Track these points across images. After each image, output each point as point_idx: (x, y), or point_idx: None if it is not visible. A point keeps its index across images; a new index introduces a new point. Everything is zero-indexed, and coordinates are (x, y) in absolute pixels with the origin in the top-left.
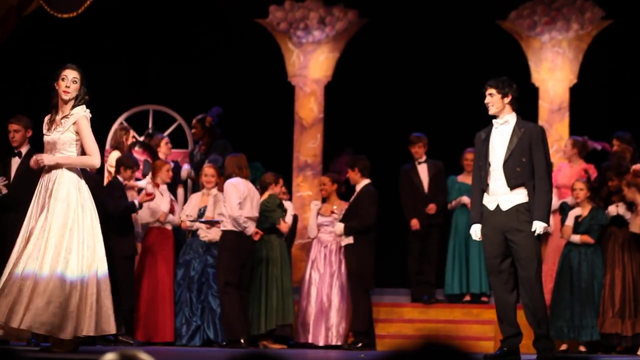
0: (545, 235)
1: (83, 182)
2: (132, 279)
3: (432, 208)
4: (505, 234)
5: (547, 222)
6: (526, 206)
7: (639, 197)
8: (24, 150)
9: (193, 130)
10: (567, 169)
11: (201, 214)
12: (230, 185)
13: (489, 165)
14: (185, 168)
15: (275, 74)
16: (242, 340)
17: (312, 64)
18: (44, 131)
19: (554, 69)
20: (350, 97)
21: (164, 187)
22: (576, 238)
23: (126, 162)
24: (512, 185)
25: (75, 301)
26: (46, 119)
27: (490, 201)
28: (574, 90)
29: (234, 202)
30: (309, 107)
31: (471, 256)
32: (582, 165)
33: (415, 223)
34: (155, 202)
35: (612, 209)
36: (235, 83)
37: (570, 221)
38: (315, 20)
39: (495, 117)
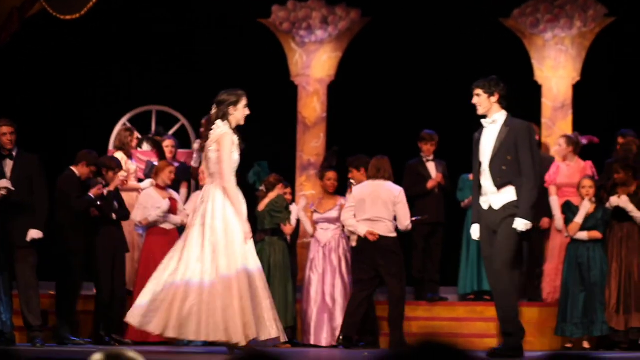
0: (549, 232)
1: None
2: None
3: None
4: (494, 232)
5: (530, 219)
6: (515, 203)
7: None
8: (14, 152)
9: (201, 130)
10: (564, 168)
11: None
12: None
13: (480, 165)
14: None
15: (278, 74)
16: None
17: (315, 64)
18: (236, 150)
19: (557, 66)
20: (353, 97)
21: (149, 190)
22: (583, 234)
23: (108, 164)
24: (499, 185)
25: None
26: (236, 139)
27: (483, 201)
28: (577, 88)
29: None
30: (312, 106)
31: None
32: (578, 162)
33: (432, 183)
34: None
35: (614, 200)
36: (238, 83)
37: (580, 218)
38: (318, 19)
39: (485, 117)
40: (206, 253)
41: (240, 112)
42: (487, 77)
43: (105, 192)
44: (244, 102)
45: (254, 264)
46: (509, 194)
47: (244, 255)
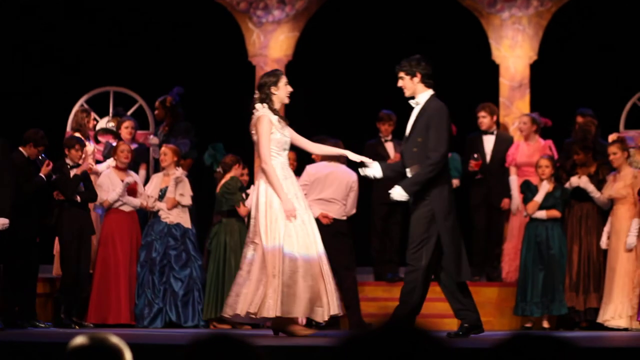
0: (508, 212)
1: None
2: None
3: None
4: (412, 214)
5: (409, 193)
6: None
7: (625, 162)
8: None
9: (156, 112)
10: (524, 147)
11: (162, 194)
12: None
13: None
14: (152, 137)
15: (235, 54)
16: None
17: (272, 44)
18: (282, 131)
19: (514, 46)
20: (311, 77)
21: (108, 171)
22: (542, 213)
23: (68, 143)
24: (409, 165)
25: None
26: (275, 119)
27: None
28: (534, 67)
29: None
30: None
31: None
32: (539, 142)
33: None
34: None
35: (574, 180)
36: (195, 63)
37: (539, 197)
38: None
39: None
40: (254, 238)
41: (282, 91)
42: (409, 58)
43: (69, 171)
44: (283, 80)
45: (295, 249)
46: None
47: (285, 236)
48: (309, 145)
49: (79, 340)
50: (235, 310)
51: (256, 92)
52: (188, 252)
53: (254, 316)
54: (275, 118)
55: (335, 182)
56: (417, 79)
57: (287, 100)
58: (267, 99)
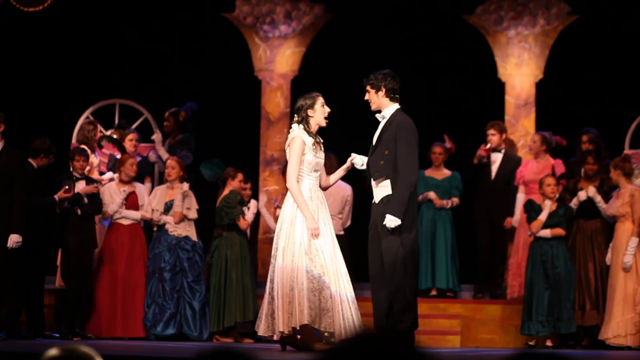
0: (512, 229)
1: None
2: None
3: None
4: (377, 226)
5: (399, 215)
6: (390, 198)
7: (623, 180)
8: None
9: (165, 123)
10: (533, 165)
11: (168, 207)
12: None
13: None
14: (153, 153)
15: (241, 69)
16: None
17: (278, 59)
18: (314, 153)
19: (520, 64)
20: (317, 92)
21: (110, 184)
22: (546, 232)
23: (70, 156)
24: (376, 178)
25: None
26: (310, 141)
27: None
28: (540, 86)
29: None
30: (276, 101)
31: (437, 251)
32: (549, 160)
33: None
34: (106, 199)
35: (582, 194)
36: (201, 77)
37: (543, 216)
38: (282, 14)
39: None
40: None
41: (319, 113)
42: (377, 71)
43: (75, 184)
44: (320, 102)
45: (310, 265)
46: (385, 187)
47: (300, 256)
48: (322, 180)
49: (52, 352)
50: (273, 330)
51: (295, 115)
52: (198, 265)
53: (287, 332)
54: (309, 140)
55: (331, 197)
56: (381, 93)
57: (324, 123)
58: (303, 122)
